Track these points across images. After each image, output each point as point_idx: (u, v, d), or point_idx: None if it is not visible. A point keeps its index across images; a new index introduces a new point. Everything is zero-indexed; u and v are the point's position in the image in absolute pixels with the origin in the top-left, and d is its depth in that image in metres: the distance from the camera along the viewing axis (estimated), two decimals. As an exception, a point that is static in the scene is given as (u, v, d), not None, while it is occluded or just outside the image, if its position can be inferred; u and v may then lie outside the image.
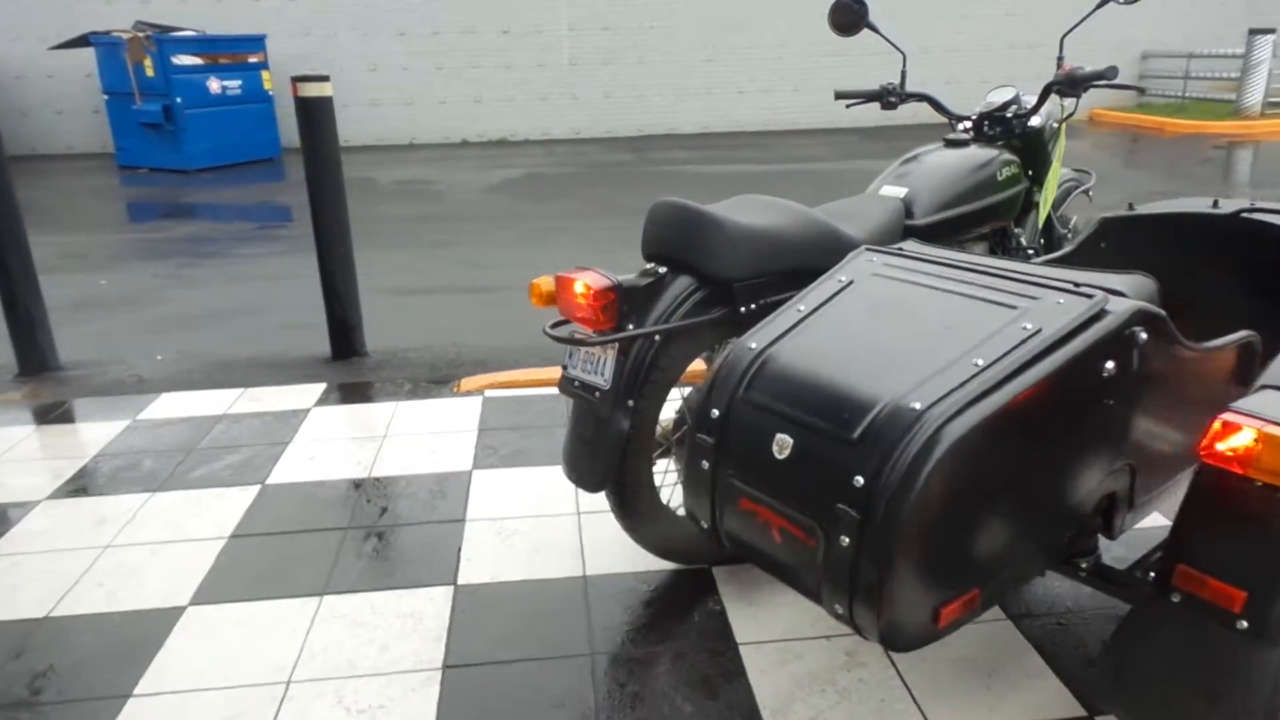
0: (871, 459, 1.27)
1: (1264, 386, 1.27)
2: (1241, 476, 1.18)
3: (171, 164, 9.63)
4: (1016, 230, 2.61)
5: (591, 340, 1.90)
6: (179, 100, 9.37)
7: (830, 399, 1.37)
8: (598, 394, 1.94)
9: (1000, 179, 2.46)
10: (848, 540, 1.28)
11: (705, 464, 1.53)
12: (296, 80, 3.52)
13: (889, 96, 2.71)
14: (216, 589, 2.23)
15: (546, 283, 2.06)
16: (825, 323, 1.54)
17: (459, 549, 2.38)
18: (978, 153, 2.48)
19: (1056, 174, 2.65)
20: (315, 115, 3.57)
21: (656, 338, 1.94)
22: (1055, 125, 2.67)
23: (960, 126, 2.67)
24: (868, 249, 1.73)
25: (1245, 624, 1.19)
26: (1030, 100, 2.63)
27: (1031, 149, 2.63)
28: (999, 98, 2.63)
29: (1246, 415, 1.17)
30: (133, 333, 4.43)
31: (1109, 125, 11.61)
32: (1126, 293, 1.41)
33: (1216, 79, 11.58)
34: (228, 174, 9.56)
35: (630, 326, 1.93)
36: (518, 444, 2.96)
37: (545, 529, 2.47)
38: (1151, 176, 8.20)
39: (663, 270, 2.00)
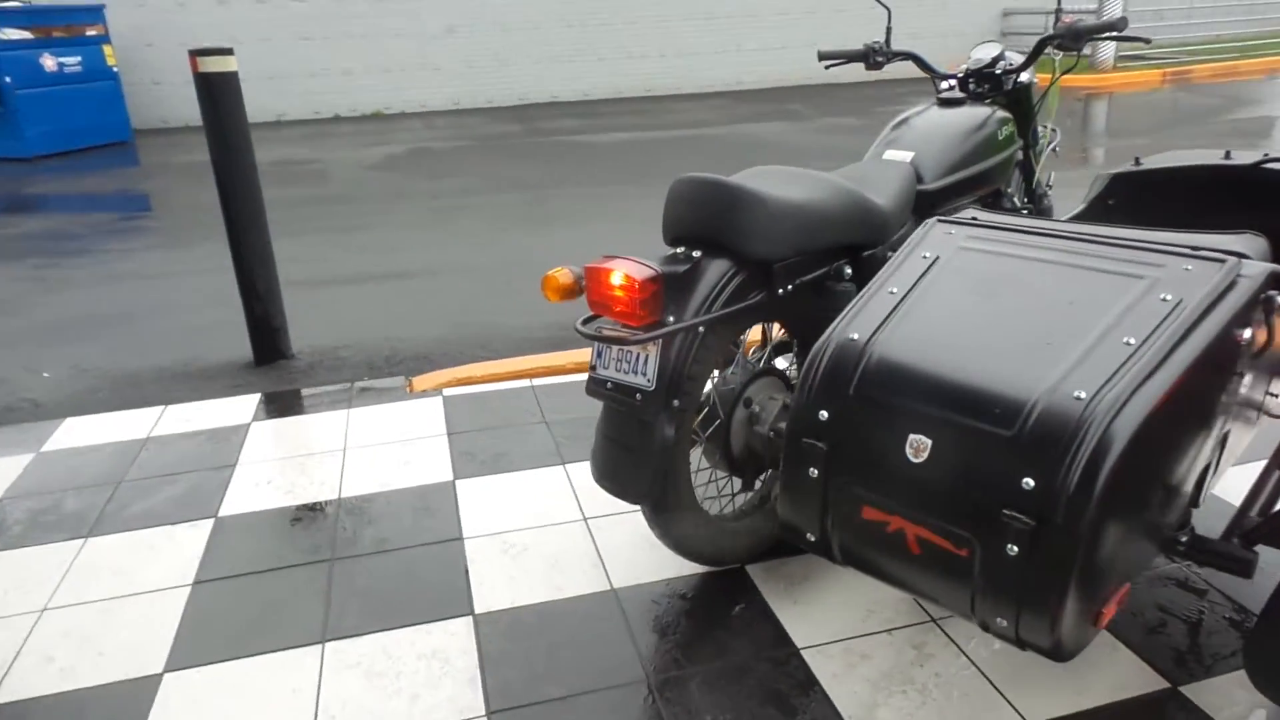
0: (1041, 458, 1.15)
1: None
2: None
3: (6, 151, 8.60)
4: (1009, 191, 2.57)
5: (636, 338, 1.71)
6: (8, 80, 8.35)
7: (973, 392, 1.24)
8: (639, 396, 1.76)
9: (1000, 139, 2.39)
10: (1016, 549, 1.17)
11: (814, 471, 1.38)
12: (196, 54, 3.10)
13: (875, 56, 2.60)
14: (195, 649, 1.93)
15: (564, 275, 1.85)
16: (930, 306, 1.41)
17: (466, 572, 2.15)
18: (975, 112, 2.40)
19: (1049, 132, 2.62)
20: (219, 92, 3.16)
21: (700, 329, 1.77)
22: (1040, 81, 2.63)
23: (944, 85, 2.58)
24: (940, 220, 1.61)
25: None
26: (1016, 57, 2.58)
27: (1021, 106, 2.58)
28: (985, 54, 2.56)
29: None
30: (5, 348, 3.88)
31: (977, 82, 12.05)
32: (1249, 254, 1.34)
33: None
34: (75, 160, 8.63)
35: (670, 319, 1.75)
36: (496, 447, 2.74)
37: (554, 540, 2.27)
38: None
39: (697, 254, 1.82)
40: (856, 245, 2.01)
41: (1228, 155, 2.02)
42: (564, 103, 11.43)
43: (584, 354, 3.33)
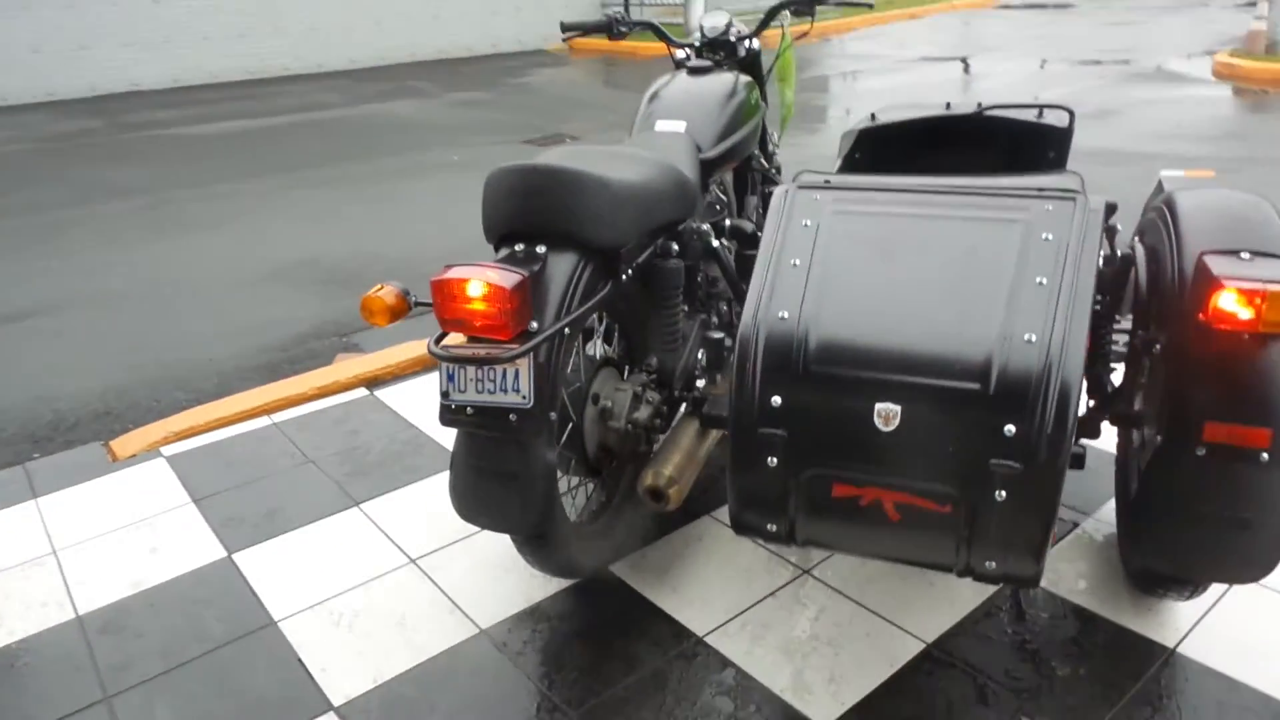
0: (1018, 406, 1.21)
1: (1205, 253, 1.46)
2: (1254, 334, 1.35)
3: None
4: (758, 152, 2.67)
5: (509, 354, 1.50)
6: None
7: (930, 352, 1.26)
8: (515, 416, 1.56)
9: (752, 103, 2.47)
10: (1005, 494, 1.21)
11: (772, 460, 1.32)
12: None
13: (619, 26, 2.54)
14: None
15: (389, 295, 1.58)
16: (842, 273, 1.40)
17: (300, 661, 1.79)
18: (725, 78, 2.43)
19: (792, 95, 2.75)
20: None
21: (566, 330, 1.61)
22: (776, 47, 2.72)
23: (680, 54, 2.60)
24: (799, 187, 1.61)
25: (1267, 456, 1.40)
26: (743, 26, 2.66)
27: (753, 72, 2.67)
28: (717, 22, 2.61)
29: (1245, 280, 1.34)
30: None
31: (588, 53, 12.51)
32: (1079, 190, 1.51)
33: (665, 4, 13.14)
34: None
35: (534, 325, 1.57)
36: (264, 503, 2.30)
37: (389, 594, 1.97)
38: (635, 94, 9.07)
39: (542, 249, 1.65)
40: (673, 220, 1.96)
41: (949, 106, 2.27)
42: (149, 91, 9.85)
43: (324, 375, 2.92)
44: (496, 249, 1.69)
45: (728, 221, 2.27)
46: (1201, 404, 1.40)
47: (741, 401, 1.35)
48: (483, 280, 1.47)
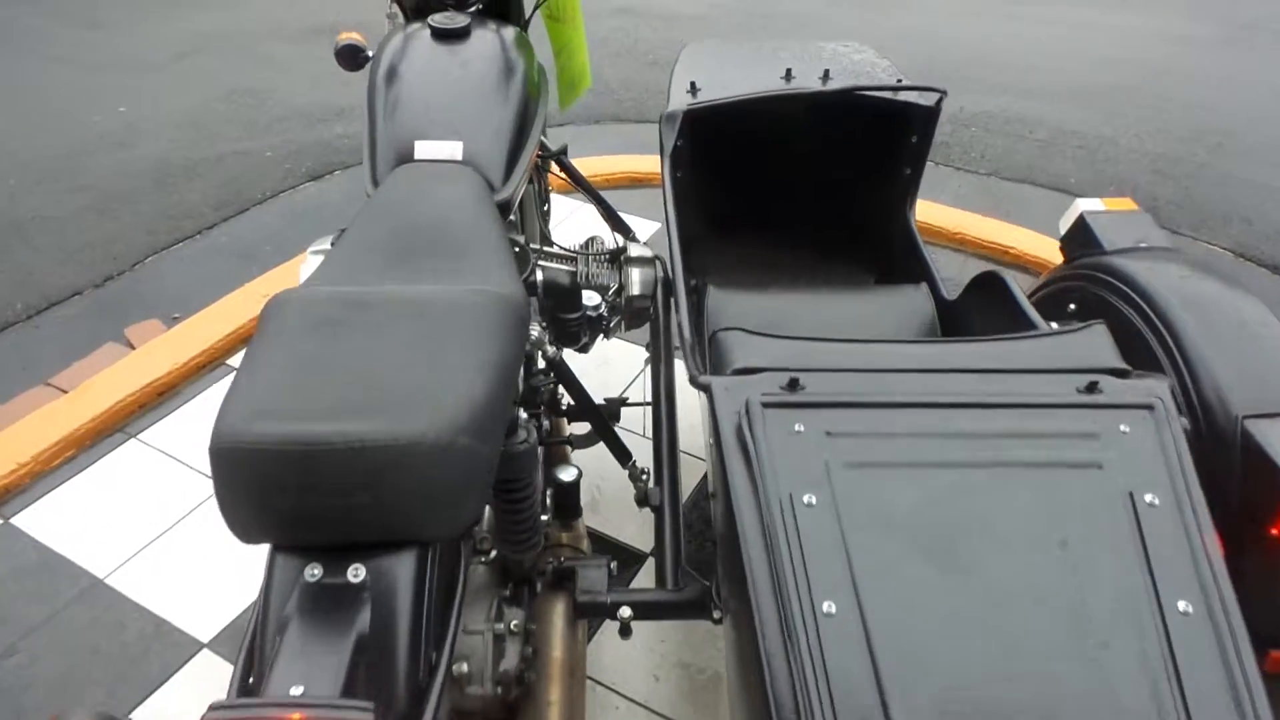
0: None
1: (1247, 418, 1.08)
2: None
3: None
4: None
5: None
6: None
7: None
8: None
9: (535, 80, 1.54)
10: None
11: None
12: None
13: None
14: None
15: None
16: (889, 575, 0.95)
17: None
18: (490, 41, 1.51)
19: (584, 45, 1.88)
20: None
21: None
22: None
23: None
24: (756, 408, 1.00)
25: None
26: None
27: (510, 20, 1.73)
28: None
29: None
30: None
31: None
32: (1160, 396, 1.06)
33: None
34: None
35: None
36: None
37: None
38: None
39: (357, 574, 0.89)
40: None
41: (789, 76, 1.82)
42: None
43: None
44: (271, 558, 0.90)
45: (538, 276, 1.49)
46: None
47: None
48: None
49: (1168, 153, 3.65)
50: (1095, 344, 1.13)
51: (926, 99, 1.72)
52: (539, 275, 1.48)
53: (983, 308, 1.46)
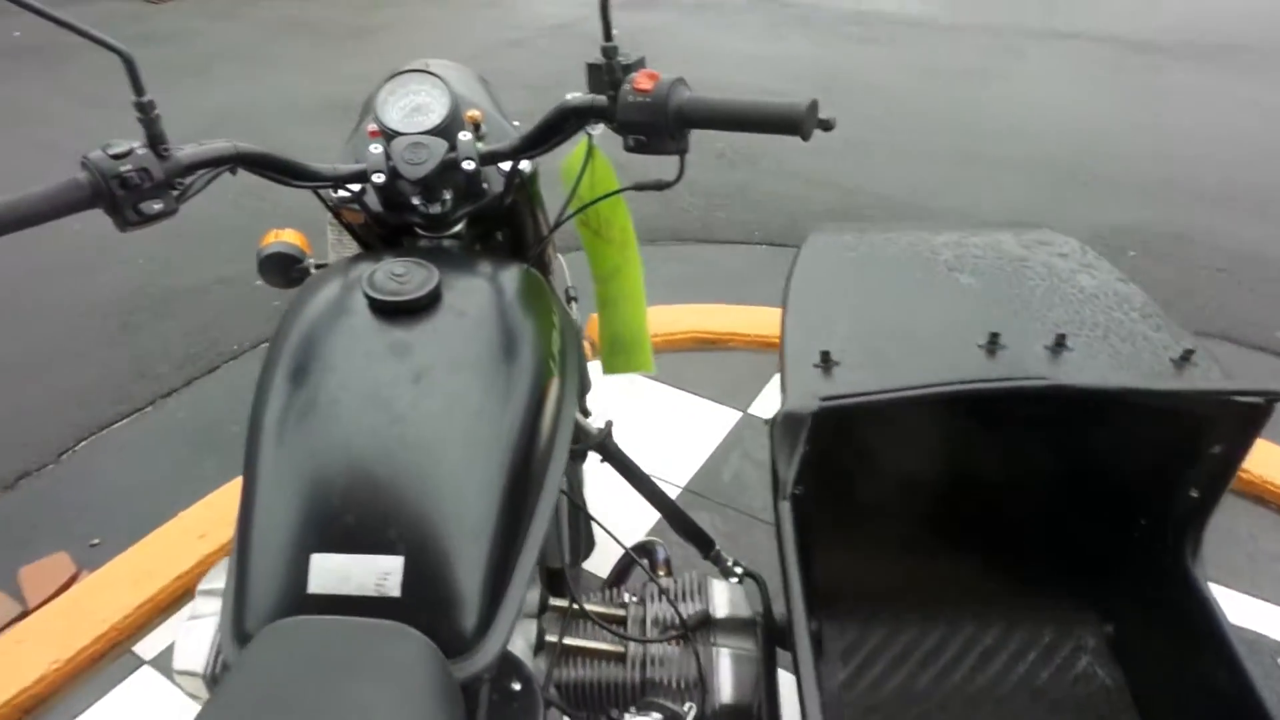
0: None
1: None
2: None
3: None
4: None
5: None
6: None
7: None
8: None
9: (556, 354, 0.75)
10: None
11: None
12: None
13: None
14: None
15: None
16: None
17: None
18: (476, 315, 0.87)
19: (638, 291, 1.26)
20: None
21: None
22: None
23: (336, 197, 1.05)
24: None
25: None
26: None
27: (517, 223, 1.19)
28: (431, 101, 0.97)
29: None
30: None
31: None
32: None
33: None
34: None
35: None
36: None
37: None
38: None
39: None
40: None
41: (994, 346, 1.11)
42: None
43: None
44: None
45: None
46: None
47: None
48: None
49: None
50: None
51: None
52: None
53: None
